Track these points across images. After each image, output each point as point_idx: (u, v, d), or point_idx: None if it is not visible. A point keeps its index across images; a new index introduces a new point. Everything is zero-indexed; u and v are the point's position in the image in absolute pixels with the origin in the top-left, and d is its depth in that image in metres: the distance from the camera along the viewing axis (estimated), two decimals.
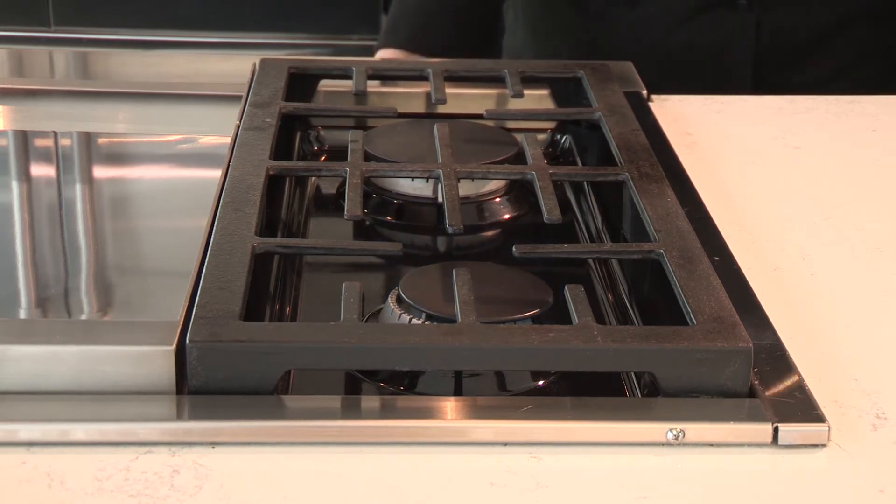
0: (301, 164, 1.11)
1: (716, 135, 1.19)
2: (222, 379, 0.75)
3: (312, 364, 0.79)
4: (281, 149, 1.07)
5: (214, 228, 0.88)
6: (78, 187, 1.09)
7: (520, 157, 1.06)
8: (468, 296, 0.82)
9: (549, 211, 0.95)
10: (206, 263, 0.84)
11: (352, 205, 0.94)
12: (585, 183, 1.11)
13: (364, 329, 0.79)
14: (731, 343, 0.77)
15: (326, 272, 1.00)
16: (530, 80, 1.23)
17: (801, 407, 0.76)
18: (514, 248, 0.89)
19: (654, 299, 0.91)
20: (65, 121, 1.24)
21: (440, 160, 1.02)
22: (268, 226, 0.97)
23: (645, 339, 0.78)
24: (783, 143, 1.20)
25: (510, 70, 1.22)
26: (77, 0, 2.37)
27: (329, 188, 1.14)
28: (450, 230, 0.93)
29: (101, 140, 1.20)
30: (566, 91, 1.24)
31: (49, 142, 1.19)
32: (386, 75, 1.27)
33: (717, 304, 0.81)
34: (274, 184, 1.00)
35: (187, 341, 0.75)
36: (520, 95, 1.17)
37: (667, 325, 0.81)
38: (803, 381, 0.78)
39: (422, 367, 0.81)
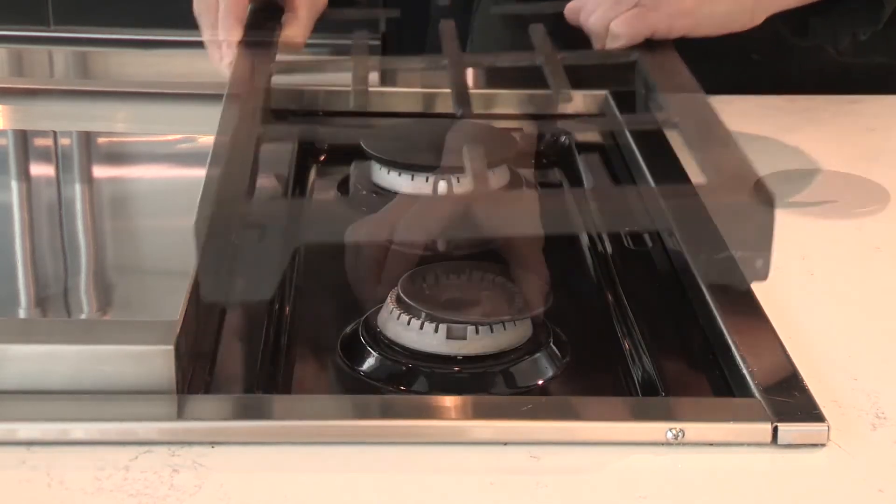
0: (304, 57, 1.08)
1: None
2: None
3: None
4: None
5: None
6: (78, 187, 1.09)
7: (519, 158, 1.05)
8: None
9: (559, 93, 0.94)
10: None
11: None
12: (584, 177, 1.11)
13: None
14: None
15: (326, 275, 0.99)
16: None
17: (801, 407, 0.75)
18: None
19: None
20: (65, 120, 1.24)
21: (447, 58, 0.99)
22: None
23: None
24: (782, 143, 1.20)
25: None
26: (77, 0, 2.37)
27: (329, 185, 1.14)
28: (458, 114, 0.91)
29: (100, 140, 1.20)
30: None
31: (49, 141, 1.19)
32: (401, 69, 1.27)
33: (738, 163, 0.77)
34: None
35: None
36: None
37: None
38: (803, 380, 0.78)
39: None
